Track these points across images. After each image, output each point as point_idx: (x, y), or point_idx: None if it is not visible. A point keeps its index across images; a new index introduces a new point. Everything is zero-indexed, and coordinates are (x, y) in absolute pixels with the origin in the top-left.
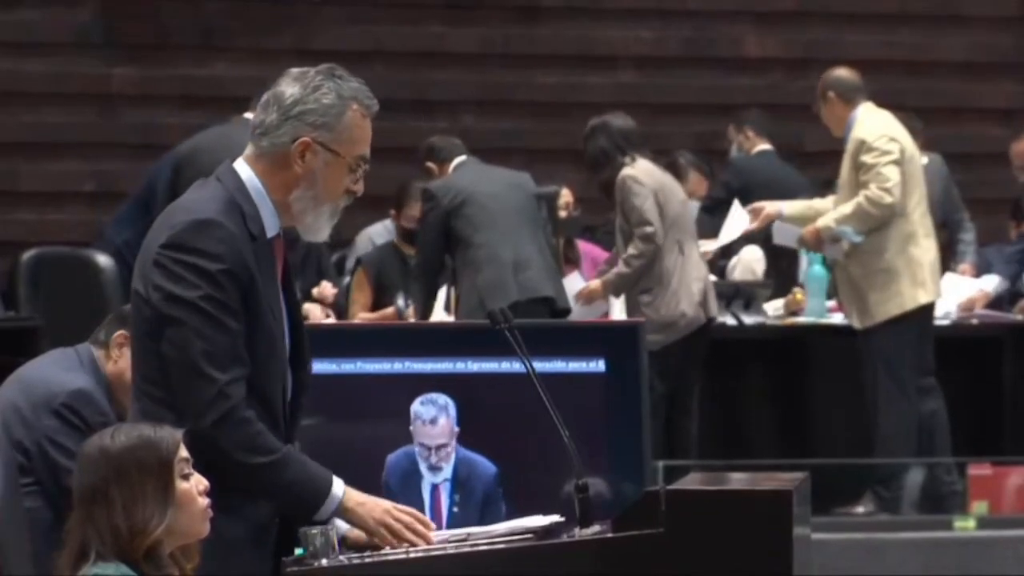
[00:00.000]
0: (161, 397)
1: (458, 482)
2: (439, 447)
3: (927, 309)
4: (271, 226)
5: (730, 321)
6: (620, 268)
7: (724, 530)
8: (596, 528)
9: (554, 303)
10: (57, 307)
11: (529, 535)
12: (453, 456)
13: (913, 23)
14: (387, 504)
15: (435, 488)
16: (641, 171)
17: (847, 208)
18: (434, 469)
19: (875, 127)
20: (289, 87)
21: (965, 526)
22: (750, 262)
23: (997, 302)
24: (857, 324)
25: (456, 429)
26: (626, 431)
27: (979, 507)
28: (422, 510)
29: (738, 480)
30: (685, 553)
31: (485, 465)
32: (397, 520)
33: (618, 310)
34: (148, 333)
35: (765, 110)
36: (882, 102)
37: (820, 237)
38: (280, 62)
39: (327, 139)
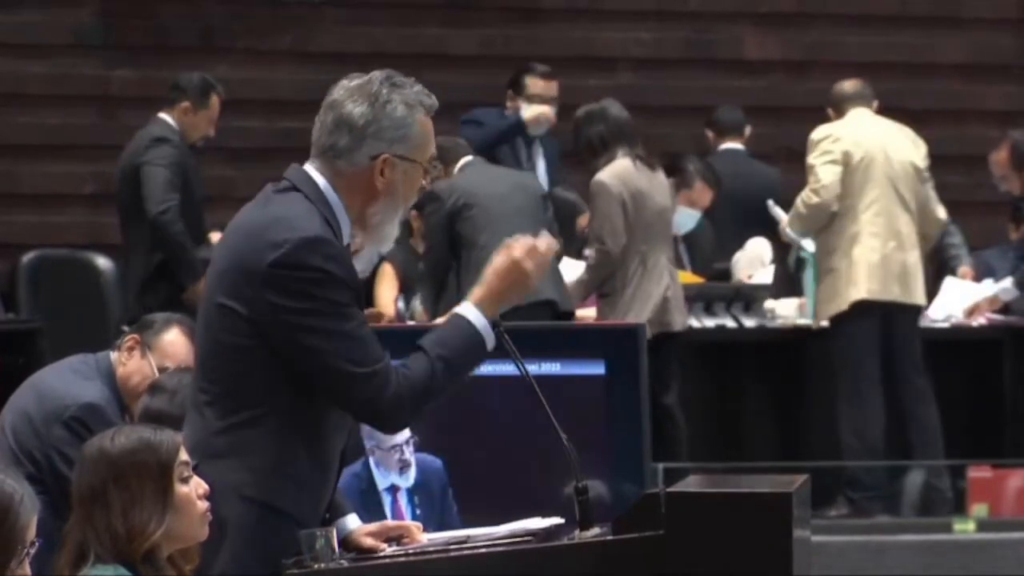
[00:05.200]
0: (213, 399)
1: (415, 486)
2: (407, 440)
3: (872, 308)
4: (346, 236)
5: (730, 323)
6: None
7: (724, 532)
8: (596, 530)
9: (556, 306)
10: (57, 309)
11: (529, 537)
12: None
13: (913, 24)
14: (498, 262)
15: (394, 500)
16: (616, 177)
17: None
18: (405, 468)
19: (827, 128)
20: (356, 105)
21: (965, 529)
22: (757, 254)
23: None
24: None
25: None
26: (626, 433)
27: (979, 510)
28: None
29: (738, 482)
30: (685, 555)
31: (432, 461)
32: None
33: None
34: (241, 348)
35: (765, 112)
36: (882, 104)
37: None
38: (280, 63)
39: (404, 151)
